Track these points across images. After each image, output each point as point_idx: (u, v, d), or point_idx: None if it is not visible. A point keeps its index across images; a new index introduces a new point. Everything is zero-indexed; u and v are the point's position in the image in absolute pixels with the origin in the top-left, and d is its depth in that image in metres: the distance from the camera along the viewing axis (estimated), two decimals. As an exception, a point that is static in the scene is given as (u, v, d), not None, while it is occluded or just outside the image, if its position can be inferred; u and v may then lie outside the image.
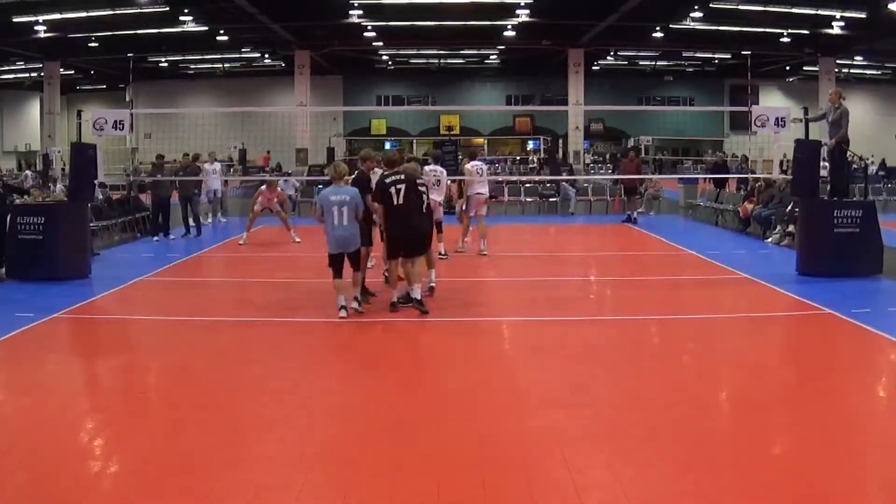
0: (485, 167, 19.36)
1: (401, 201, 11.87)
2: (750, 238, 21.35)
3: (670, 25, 38.91)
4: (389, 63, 54.07)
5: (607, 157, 53.95)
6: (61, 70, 46.86)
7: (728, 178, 27.94)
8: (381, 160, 13.23)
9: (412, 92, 56.54)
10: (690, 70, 55.68)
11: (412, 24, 39.67)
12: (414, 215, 12.00)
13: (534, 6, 35.30)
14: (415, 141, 56.89)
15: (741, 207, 22.59)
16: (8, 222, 15.69)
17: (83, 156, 16.43)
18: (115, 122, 17.07)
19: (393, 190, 11.87)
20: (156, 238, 21.91)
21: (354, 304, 11.99)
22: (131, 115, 18.76)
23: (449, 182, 17.69)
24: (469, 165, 18.37)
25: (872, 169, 33.04)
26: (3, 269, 15.26)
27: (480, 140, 55.53)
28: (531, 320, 12.33)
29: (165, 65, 52.56)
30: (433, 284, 13.33)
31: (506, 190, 29.13)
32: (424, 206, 12.14)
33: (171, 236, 22.21)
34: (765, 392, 8.87)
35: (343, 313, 11.75)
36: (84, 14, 35.41)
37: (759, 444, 7.12)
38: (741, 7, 35.03)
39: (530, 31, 40.22)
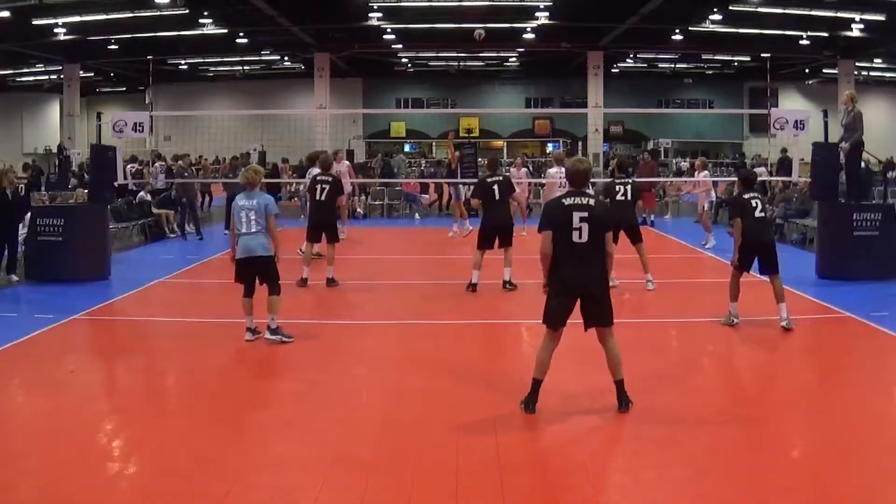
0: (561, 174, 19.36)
1: (497, 198, 14.16)
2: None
3: (689, 28, 38.74)
4: (409, 66, 54.01)
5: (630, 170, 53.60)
6: (81, 72, 46.99)
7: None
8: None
9: (431, 94, 56.44)
10: (710, 73, 55.42)
11: (431, 26, 39.65)
12: (505, 210, 14.55)
13: (553, 9, 35.24)
14: (434, 143, 56.87)
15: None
16: (23, 226, 15.84)
17: (103, 158, 16.52)
18: (135, 124, 17.17)
19: (495, 188, 14.17)
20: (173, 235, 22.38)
21: (248, 335, 10.82)
22: (151, 117, 18.81)
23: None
24: (552, 171, 18.74)
25: (893, 172, 32.81)
26: (14, 273, 15.35)
27: (500, 143, 55.45)
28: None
29: (185, 67, 52.65)
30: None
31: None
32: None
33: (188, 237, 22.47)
34: (783, 395, 8.85)
35: (248, 336, 10.77)
36: (104, 17, 35.47)
37: (778, 449, 7.10)
38: (760, 9, 34.86)
39: (550, 34, 40.10)
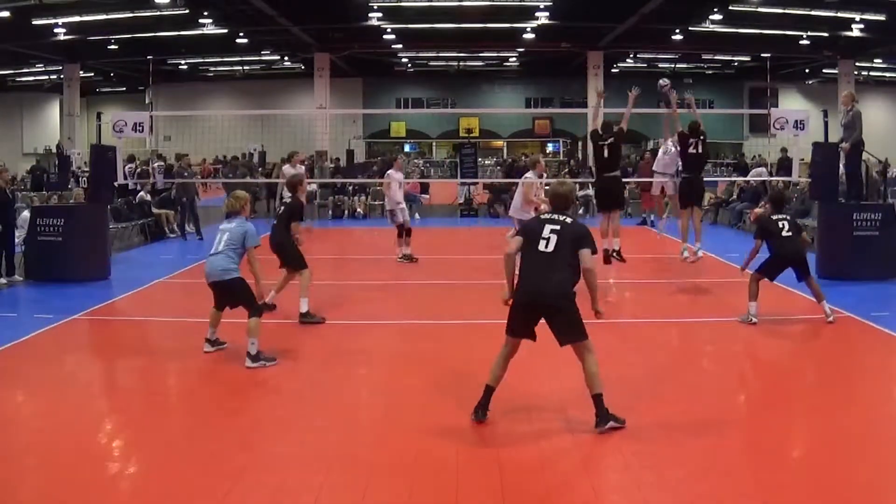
0: None
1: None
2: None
3: (689, 28, 38.71)
4: (409, 66, 53.99)
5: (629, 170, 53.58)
6: (81, 72, 46.93)
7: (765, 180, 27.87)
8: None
9: (431, 94, 56.43)
10: (710, 73, 55.39)
11: (431, 26, 39.61)
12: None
13: (553, 9, 35.19)
14: (434, 143, 56.93)
15: (751, 213, 22.54)
16: (19, 228, 15.86)
17: (103, 158, 16.52)
18: (135, 124, 17.18)
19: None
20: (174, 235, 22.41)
21: (206, 346, 10.36)
22: (151, 117, 18.81)
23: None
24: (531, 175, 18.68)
25: (892, 171, 32.81)
26: (15, 274, 15.35)
27: (500, 143, 55.49)
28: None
29: (185, 67, 52.65)
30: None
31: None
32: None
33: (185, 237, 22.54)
34: (783, 395, 8.85)
35: (206, 347, 10.31)
36: (103, 17, 35.43)
37: (778, 449, 7.10)
38: (760, 9, 34.85)
39: (549, 34, 40.05)
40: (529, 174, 16.20)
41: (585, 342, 7.55)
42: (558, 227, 7.59)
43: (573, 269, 7.53)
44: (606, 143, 14.60)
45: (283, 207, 12.60)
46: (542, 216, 8.04)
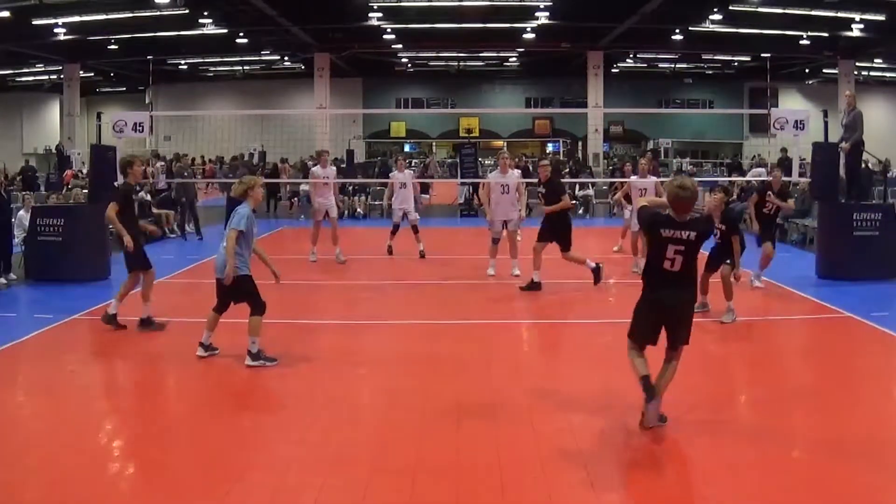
0: None
1: None
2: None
3: (690, 28, 38.75)
4: (409, 66, 54.00)
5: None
6: (81, 72, 47.00)
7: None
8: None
9: (431, 94, 56.43)
10: (710, 73, 55.41)
11: (431, 26, 39.65)
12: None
13: (553, 9, 35.23)
14: (434, 143, 56.94)
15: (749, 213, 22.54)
16: (18, 227, 15.87)
17: (103, 158, 16.51)
18: (135, 124, 17.12)
19: None
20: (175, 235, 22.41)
21: (200, 350, 10.12)
22: (151, 117, 18.78)
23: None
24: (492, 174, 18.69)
25: (893, 171, 32.82)
26: (11, 273, 15.34)
27: (500, 143, 55.53)
28: (550, 322, 12.34)
29: (185, 67, 52.65)
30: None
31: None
32: None
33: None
34: (783, 395, 8.84)
35: (200, 351, 10.08)
36: (104, 17, 35.48)
37: (778, 449, 7.09)
38: (760, 9, 34.87)
39: (550, 34, 40.09)
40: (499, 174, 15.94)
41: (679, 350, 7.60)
42: (682, 248, 7.24)
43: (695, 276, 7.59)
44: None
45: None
46: (664, 231, 7.31)
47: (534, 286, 14.22)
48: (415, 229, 18.75)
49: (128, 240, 11.45)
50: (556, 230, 14.36)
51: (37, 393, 8.96)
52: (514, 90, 56.95)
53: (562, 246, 14.38)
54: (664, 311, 7.45)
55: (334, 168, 20.57)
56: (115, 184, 13.02)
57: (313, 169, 18.46)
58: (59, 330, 11.63)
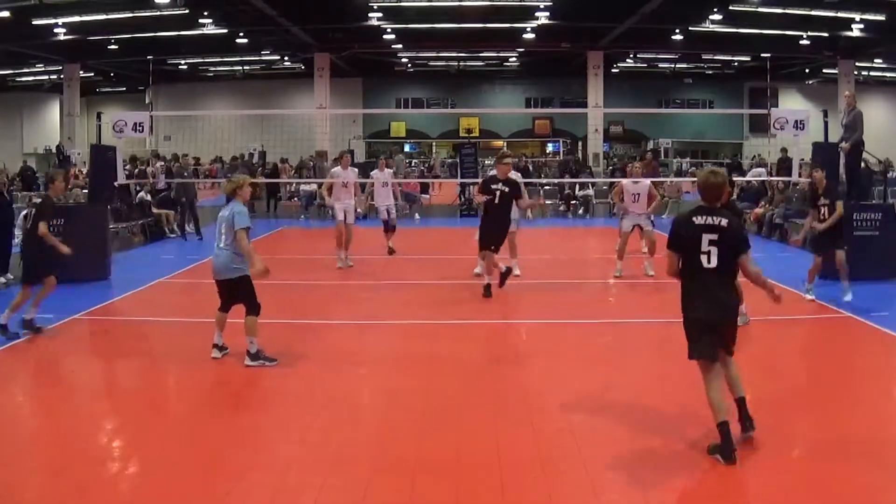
0: None
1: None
2: (769, 241, 21.29)
3: (690, 28, 38.74)
4: (409, 66, 53.98)
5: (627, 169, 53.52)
6: (81, 72, 46.98)
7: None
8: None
9: (431, 94, 56.40)
10: (710, 73, 55.42)
11: (431, 26, 39.66)
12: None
13: (553, 9, 35.23)
14: (434, 143, 56.93)
15: (752, 213, 22.58)
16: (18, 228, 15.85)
17: (102, 158, 16.51)
18: (135, 124, 17.12)
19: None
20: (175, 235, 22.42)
21: (214, 352, 10.05)
22: (151, 117, 18.78)
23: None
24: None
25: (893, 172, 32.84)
26: (8, 273, 15.31)
27: (500, 143, 55.50)
28: (550, 322, 12.33)
29: (185, 67, 52.62)
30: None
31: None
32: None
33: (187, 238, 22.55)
34: (783, 395, 8.84)
35: (215, 353, 10.02)
36: (104, 17, 35.48)
37: (778, 449, 7.09)
38: (760, 9, 34.87)
39: (550, 34, 40.08)
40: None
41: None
42: (716, 237, 6.87)
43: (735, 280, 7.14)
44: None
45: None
46: (696, 219, 7.01)
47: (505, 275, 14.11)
48: (391, 227, 19.04)
49: (66, 249, 11.60)
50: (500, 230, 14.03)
51: (37, 393, 8.96)
52: (514, 90, 56.92)
53: (496, 245, 13.94)
54: (713, 328, 7.16)
55: (356, 169, 20.45)
56: (38, 199, 12.67)
57: (334, 170, 18.18)
58: (60, 330, 11.63)
